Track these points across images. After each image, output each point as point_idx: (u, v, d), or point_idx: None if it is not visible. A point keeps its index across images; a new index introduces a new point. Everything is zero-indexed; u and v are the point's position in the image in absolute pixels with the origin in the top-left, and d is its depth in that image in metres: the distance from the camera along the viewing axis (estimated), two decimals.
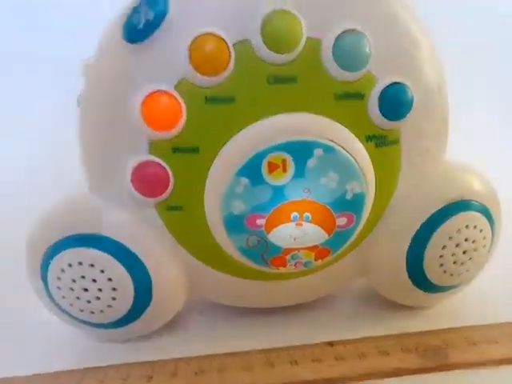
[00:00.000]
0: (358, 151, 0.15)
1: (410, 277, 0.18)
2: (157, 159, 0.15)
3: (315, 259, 0.16)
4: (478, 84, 0.36)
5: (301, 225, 0.15)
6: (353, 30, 0.14)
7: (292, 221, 0.15)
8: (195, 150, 0.15)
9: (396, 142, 0.16)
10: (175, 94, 0.14)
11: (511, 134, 0.35)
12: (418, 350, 0.16)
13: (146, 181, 0.15)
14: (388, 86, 0.15)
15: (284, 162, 0.15)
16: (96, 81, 0.15)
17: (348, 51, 0.14)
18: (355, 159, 0.15)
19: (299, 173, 0.15)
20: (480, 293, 0.20)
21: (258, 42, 0.14)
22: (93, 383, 0.16)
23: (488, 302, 0.20)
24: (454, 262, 0.18)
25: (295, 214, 0.15)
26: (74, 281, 0.16)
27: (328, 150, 0.15)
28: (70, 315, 0.17)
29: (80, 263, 0.16)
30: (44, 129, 0.35)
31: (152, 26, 0.14)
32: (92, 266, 0.16)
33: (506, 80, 0.38)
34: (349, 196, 0.15)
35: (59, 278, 0.16)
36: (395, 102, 0.15)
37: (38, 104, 0.35)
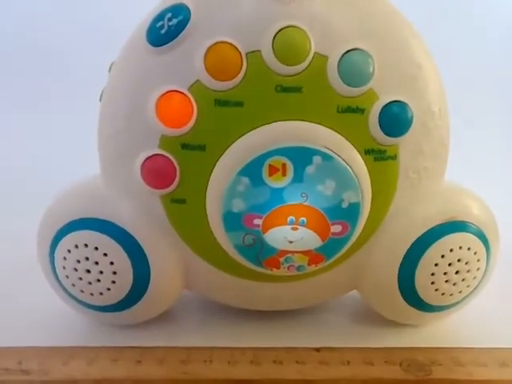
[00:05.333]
0: (356, 162, 0.16)
1: (401, 293, 0.18)
2: (166, 153, 0.16)
3: (308, 264, 0.17)
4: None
5: (296, 228, 0.16)
6: (358, 49, 0.15)
7: (288, 224, 0.16)
8: (202, 147, 0.16)
9: (394, 157, 0.17)
10: (188, 94, 0.15)
11: None
12: (402, 364, 0.17)
13: (154, 173, 0.16)
14: (388, 104, 0.16)
15: (284, 166, 0.15)
16: (118, 77, 0.17)
17: (352, 68, 0.15)
18: (352, 170, 0.16)
19: (298, 178, 0.15)
20: (473, 316, 0.20)
21: (268, 53, 0.15)
22: (84, 361, 0.16)
23: (481, 326, 0.20)
24: (446, 281, 0.18)
25: (291, 217, 0.16)
26: (78, 261, 0.17)
27: (326, 158, 0.15)
28: (72, 296, 0.18)
29: (85, 245, 0.17)
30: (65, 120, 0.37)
31: (174, 33, 0.15)
32: (96, 248, 0.17)
33: None
34: (344, 205, 0.16)
35: (65, 258, 0.17)
36: (394, 119, 0.16)
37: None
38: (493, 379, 0.16)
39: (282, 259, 0.17)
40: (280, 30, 0.15)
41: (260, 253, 0.17)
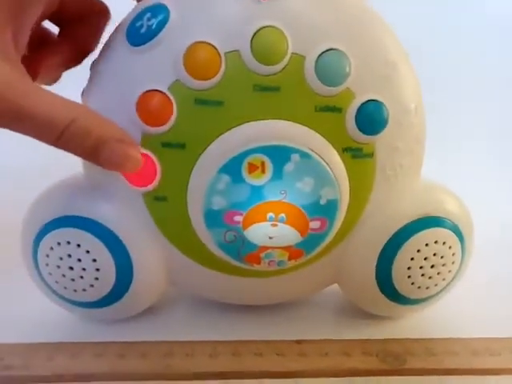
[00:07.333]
0: (334, 160, 0.16)
1: (379, 286, 0.19)
2: (147, 152, 0.16)
3: (289, 259, 0.17)
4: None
5: (276, 225, 0.17)
6: (334, 49, 0.16)
7: (268, 220, 0.16)
8: (183, 146, 0.16)
9: (371, 155, 0.17)
10: (168, 94, 0.16)
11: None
12: (378, 355, 0.17)
13: (136, 171, 0.16)
14: (365, 103, 0.16)
15: (263, 163, 0.16)
16: (99, 75, 0.17)
17: (329, 68, 0.16)
18: (330, 167, 0.16)
19: (277, 175, 0.16)
20: (446, 308, 0.20)
21: (247, 53, 0.15)
22: (67, 356, 0.17)
23: (454, 317, 0.20)
24: (422, 275, 0.19)
25: (271, 214, 0.16)
26: (61, 259, 0.17)
27: (304, 156, 0.16)
28: (56, 292, 0.18)
29: (68, 242, 0.17)
30: None
31: (153, 32, 0.16)
32: (79, 246, 0.17)
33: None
34: (323, 201, 0.16)
35: (48, 256, 0.17)
36: (371, 118, 0.16)
37: None
38: (464, 368, 0.17)
39: (262, 255, 0.17)
40: (258, 31, 0.15)
41: (241, 249, 0.17)
